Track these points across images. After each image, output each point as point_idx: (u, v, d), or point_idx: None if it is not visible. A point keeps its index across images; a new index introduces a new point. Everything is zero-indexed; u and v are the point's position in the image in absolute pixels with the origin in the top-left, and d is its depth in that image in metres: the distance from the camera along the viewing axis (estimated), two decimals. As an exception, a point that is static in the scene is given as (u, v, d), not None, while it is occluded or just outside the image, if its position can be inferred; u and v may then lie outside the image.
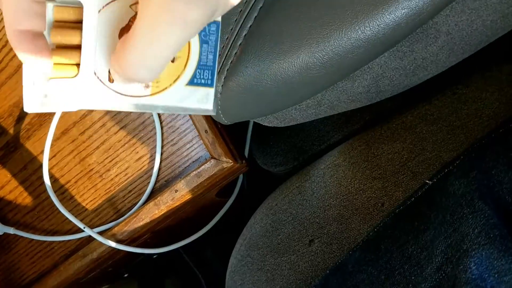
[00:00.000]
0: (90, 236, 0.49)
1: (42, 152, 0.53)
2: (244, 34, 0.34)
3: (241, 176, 0.53)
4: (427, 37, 0.35)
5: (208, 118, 0.43)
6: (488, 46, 0.47)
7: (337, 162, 0.46)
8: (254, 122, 0.53)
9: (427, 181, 0.38)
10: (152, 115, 0.47)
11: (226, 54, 0.34)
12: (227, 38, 0.34)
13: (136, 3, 0.24)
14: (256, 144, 0.54)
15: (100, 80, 0.24)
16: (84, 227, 0.46)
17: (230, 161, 0.42)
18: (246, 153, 0.49)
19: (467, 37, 0.36)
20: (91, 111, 0.51)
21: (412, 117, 0.46)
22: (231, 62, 0.34)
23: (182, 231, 0.53)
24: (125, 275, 0.57)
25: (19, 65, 0.55)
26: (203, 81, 0.27)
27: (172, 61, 0.26)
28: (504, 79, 0.45)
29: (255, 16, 0.34)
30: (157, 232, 0.50)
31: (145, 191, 0.47)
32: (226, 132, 0.44)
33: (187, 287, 0.63)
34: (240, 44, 0.33)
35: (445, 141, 0.43)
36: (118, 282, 0.59)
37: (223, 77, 0.35)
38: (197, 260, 0.60)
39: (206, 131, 0.42)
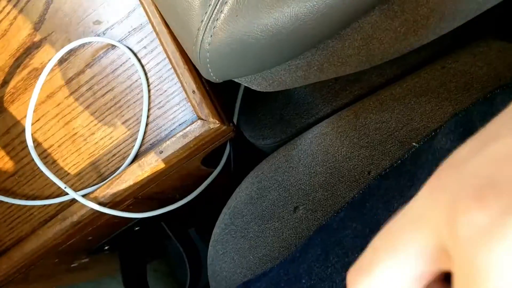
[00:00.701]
0: (71, 200, 0.48)
1: (26, 116, 0.52)
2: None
3: (228, 147, 0.52)
4: (418, -4, 0.35)
5: (197, 79, 0.42)
6: (478, 22, 0.47)
7: (325, 131, 0.46)
8: (243, 94, 0.52)
9: (414, 143, 0.38)
10: (140, 78, 0.47)
11: (217, 3, 0.34)
12: (218, -13, 0.34)
13: None
14: (244, 117, 0.53)
15: None
16: (65, 187, 0.45)
17: (217, 122, 0.41)
18: (235, 122, 0.49)
19: (458, 1, 0.36)
20: (79, 74, 0.50)
21: (401, 89, 0.46)
22: (221, 12, 0.34)
23: (166, 201, 0.52)
24: (106, 248, 0.56)
25: (6, 29, 0.54)
26: None
27: None
28: (493, 55, 0.46)
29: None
30: (141, 200, 0.49)
31: (129, 154, 0.46)
32: (214, 94, 0.43)
33: (169, 265, 0.62)
34: (232, -7, 0.33)
35: (433, 112, 0.43)
36: (99, 255, 0.58)
37: (213, 28, 0.34)
38: (180, 237, 0.59)
39: (193, 92, 0.42)
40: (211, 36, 0.34)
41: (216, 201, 0.54)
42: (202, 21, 0.35)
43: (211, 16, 0.34)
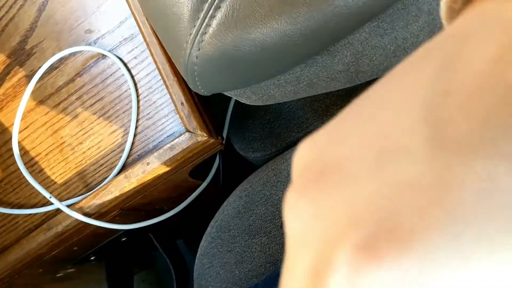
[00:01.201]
0: (56, 210, 0.48)
1: (13, 123, 0.51)
2: (224, -4, 0.33)
3: (217, 159, 0.52)
4: (408, 15, 0.35)
5: (186, 91, 0.42)
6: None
7: (314, 146, 0.45)
8: (234, 106, 0.52)
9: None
10: (129, 88, 0.46)
11: (206, 17, 0.33)
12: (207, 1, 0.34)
13: None
14: (235, 129, 0.53)
15: None
16: (50, 197, 0.45)
17: (205, 134, 0.41)
18: (225, 134, 0.49)
19: (448, 20, 0.36)
20: (68, 82, 0.50)
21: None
22: (210, 25, 0.33)
23: (153, 213, 0.51)
24: (92, 258, 0.55)
25: (-1, 34, 0.54)
26: None
27: None
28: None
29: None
30: (127, 211, 0.49)
31: (116, 165, 0.46)
32: (203, 106, 0.43)
33: (157, 277, 0.61)
34: (220, 7, 0.33)
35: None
36: (85, 265, 0.57)
37: (201, 41, 0.34)
38: (168, 249, 0.58)
39: (182, 104, 0.41)
40: (199, 49, 0.34)
41: (205, 212, 0.53)
42: (190, 34, 0.34)
43: (199, 30, 0.34)
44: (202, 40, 0.34)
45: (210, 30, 0.33)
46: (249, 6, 0.32)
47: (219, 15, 0.33)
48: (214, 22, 0.33)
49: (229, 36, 0.33)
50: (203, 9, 0.34)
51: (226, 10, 0.33)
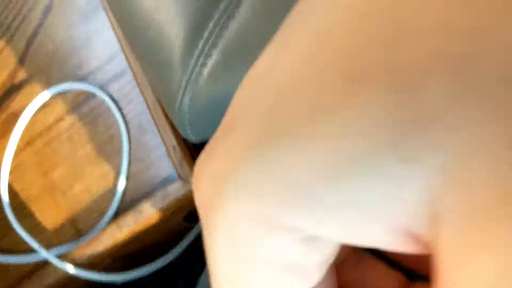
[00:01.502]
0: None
1: (1, 165, 0.49)
2: (221, 41, 0.30)
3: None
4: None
5: (178, 134, 0.39)
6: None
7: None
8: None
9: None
10: (120, 129, 0.44)
11: (196, 64, 0.31)
12: (201, 44, 0.31)
13: None
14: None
15: None
16: (38, 247, 0.42)
17: (200, 182, 0.38)
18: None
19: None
20: (58, 121, 0.47)
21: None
22: (200, 74, 0.31)
23: (147, 255, 0.49)
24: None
25: (-13, 70, 0.52)
26: None
27: None
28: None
29: (236, 21, 0.31)
30: (119, 257, 0.46)
31: (108, 210, 0.43)
32: (196, 150, 0.40)
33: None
34: (211, 54, 0.30)
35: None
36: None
37: (192, 89, 0.31)
38: None
39: (174, 148, 0.39)
40: (191, 98, 0.32)
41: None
42: (181, 81, 0.32)
43: (190, 78, 0.31)
44: (193, 88, 0.31)
45: (201, 79, 0.31)
46: (241, 53, 0.29)
47: (210, 63, 0.30)
48: (205, 71, 0.31)
49: (220, 85, 0.31)
50: (193, 56, 0.31)
51: (217, 57, 0.30)
